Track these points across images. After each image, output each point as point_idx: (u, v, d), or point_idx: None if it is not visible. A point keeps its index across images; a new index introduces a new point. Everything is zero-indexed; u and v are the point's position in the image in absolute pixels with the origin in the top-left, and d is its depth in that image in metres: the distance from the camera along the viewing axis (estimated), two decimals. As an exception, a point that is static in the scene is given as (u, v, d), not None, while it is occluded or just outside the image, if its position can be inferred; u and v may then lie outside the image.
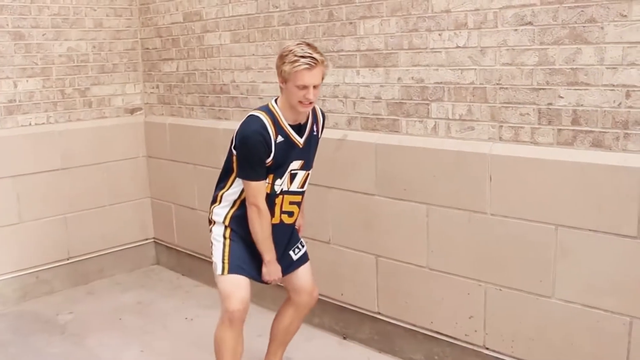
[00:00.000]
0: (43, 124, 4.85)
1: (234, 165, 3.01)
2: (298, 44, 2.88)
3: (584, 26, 2.77)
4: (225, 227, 3.12)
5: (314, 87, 2.84)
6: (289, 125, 2.98)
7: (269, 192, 3.01)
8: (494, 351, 3.28)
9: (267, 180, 2.99)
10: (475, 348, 3.36)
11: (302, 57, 2.79)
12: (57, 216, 4.92)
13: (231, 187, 3.09)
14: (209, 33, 4.67)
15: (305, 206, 4.01)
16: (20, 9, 4.64)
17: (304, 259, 3.31)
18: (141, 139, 5.40)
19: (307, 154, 3.10)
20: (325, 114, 3.33)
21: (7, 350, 4.01)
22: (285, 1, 4.03)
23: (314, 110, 3.12)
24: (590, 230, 2.81)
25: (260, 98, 4.31)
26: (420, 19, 3.35)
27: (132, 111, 5.39)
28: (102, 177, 5.13)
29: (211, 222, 3.19)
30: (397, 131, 3.57)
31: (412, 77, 3.44)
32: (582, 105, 2.81)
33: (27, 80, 4.74)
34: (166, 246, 5.40)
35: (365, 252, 3.79)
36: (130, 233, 5.35)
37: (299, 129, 3.02)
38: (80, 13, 4.97)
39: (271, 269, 3.09)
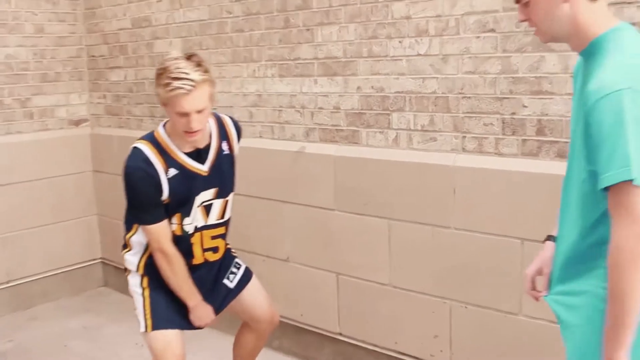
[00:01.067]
0: (-20, 137, 4.79)
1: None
2: (175, 59, 2.42)
3: (547, 33, 2.83)
4: (141, 276, 2.80)
5: (199, 112, 2.44)
6: (184, 153, 2.60)
7: (179, 234, 2.68)
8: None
9: (174, 221, 2.66)
10: (442, 369, 3.39)
11: (177, 78, 2.35)
12: (-4, 236, 4.84)
13: (137, 231, 2.77)
14: (159, 40, 4.66)
15: (263, 222, 4.03)
16: (-46, 14, 4.59)
17: (244, 280, 3.01)
18: (87, 153, 5.34)
19: (220, 180, 2.73)
20: (239, 124, 2.96)
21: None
22: (239, 7, 4.04)
23: (221, 124, 2.78)
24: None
25: (214, 108, 4.30)
26: (380, 25, 3.38)
27: (77, 123, 5.34)
28: (45, 194, 5.06)
29: (126, 270, 2.89)
30: (356, 143, 3.59)
31: (372, 86, 3.47)
32: (546, 114, 2.87)
33: (-38, 91, 4.68)
34: (115, 267, 5.32)
35: (325, 270, 3.79)
36: (76, 253, 5.28)
37: (199, 154, 2.64)
38: (20, 18, 4.91)
39: (199, 314, 2.77)
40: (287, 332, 4.06)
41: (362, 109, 3.54)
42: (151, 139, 2.60)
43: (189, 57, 2.46)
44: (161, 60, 2.48)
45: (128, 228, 2.79)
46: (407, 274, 3.43)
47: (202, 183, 2.66)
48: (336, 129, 3.68)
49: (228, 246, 3.01)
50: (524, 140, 2.94)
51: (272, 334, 4.06)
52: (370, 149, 3.53)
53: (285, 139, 3.93)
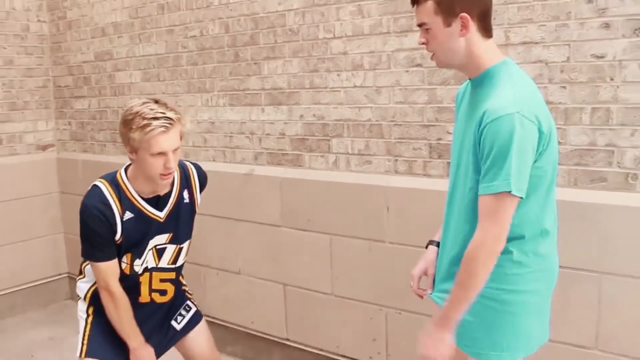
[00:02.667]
0: (-49, 162, 4.69)
1: None
2: (144, 103, 2.28)
3: (466, 68, 2.91)
4: (88, 305, 2.61)
5: (174, 150, 2.31)
6: (143, 199, 2.43)
7: (127, 273, 2.48)
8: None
9: (125, 260, 2.46)
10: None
11: (154, 118, 2.22)
12: (-33, 254, 4.73)
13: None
14: (120, 72, 4.63)
15: (217, 238, 4.03)
16: None
17: (191, 324, 2.77)
18: (53, 175, 5.26)
19: (176, 227, 2.53)
20: (204, 173, 2.76)
21: None
22: (194, 42, 4.05)
23: (185, 173, 2.60)
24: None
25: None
26: (320, 60, 3.43)
27: (44, 148, 5.26)
28: (14, 214, 4.95)
29: (77, 295, 2.70)
30: (300, 165, 3.62)
31: (314, 115, 3.51)
32: (467, 140, 2.94)
33: None
34: (80, 280, 5.26)
35: (274, 281, 3.80)
36: (43, 269, 5.17)
37: (158, 201, 2.47)
38: (-10, 52, 4.86)
39: (139, 356, 2.51)
40: (240, 338, 4.05)
41: (305, 135, 3.57)
42: (112, 180, 2.43)
43: (155, 101, 2.32)
44: (127, 108, 2.32)
45: (82, 255, 2.58)
46: (347, 284, 3.46)
47: (158, 228, 2.48)
48: (282, 153, 3.70)
49: (184, 288, 2.85)
50: (448, 163, 2.99)
51: (225, 340, 4.08)
52: (312, 171, 3.56)
53: (236, 162, 3.94)
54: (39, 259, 5.15)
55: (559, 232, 2.52)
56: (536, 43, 2.70)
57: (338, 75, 3.37)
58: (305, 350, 3.73)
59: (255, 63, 3.74)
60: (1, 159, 4.95)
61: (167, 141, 2.26)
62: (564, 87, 2.66)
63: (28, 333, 4.66)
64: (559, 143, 2.68)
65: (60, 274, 5.24)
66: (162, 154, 2.27)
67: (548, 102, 2.68)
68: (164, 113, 2.25)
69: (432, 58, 2.11)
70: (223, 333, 4.12)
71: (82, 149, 5.09)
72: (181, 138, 2.37)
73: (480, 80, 2.01)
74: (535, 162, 1.88)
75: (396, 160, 3.22)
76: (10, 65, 4.97)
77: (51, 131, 5.30)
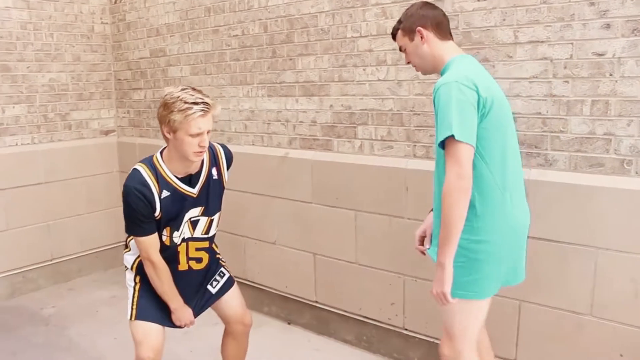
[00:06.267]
0: (28, 144, 4.72)
1: None
2: (183, 89, 2.29)
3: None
4: (135, 274, 2.61)
5: (208, 131, 2.32)
6: (177, 178, 2.41)
7: (168, 244, 2.48)
8: (411, 331, 3.33)
9: (165, 233, 2.46)
10: (397, 329, 3.40)
11: (195, 103, 2.24)
12: (41, 223, 4.78)
13: None
14: (171, 67, 4.63)
15: (256, 212, 4.03)
16: (7, 45, 4.52)
17: (225, 288, 2.76)
18: (114, 157, 5.30)
19: (207, 201, 2.51)
20: (231, 153, 2.67)
21: (-3, 341, 3.90)
22: (236, 41, 4.03)
23: (213, 153, 2.57)
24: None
25: (215, 122, 4.30)
26: (348, 56, 3.39)
27: (107, 133, 5.30)
28: (80, 190, 5.02)
29: (125, 266, 2.69)
30: (330, 150, 3.59)
31: (342, 105, 3.48)
32: (478, 128, 2.89)
33: (13, 107, 4.61)
34: (137, 247, 5.31)
35: (305, 250, 3.80)
36: (105, 237, 5.23)
37: (190, 179, 2.45)
38: (61, 49, 4.87)
39: (179, 315, 2.55)
40: (274, 300, 4.07)
41: (334, 123, 3.54)
42: (149, 163, 2.40)
43: (193, 88, 2.33)
44: (167, 94, 2.30)
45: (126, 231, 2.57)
46: (370, 254, 3.45)
47: (191, 203, 2.46)
48: (313, 139, 3.68)
49: (218, 256, 2.81)
50: (461, 149, 2.96)
51: (262, 301, 4.10)
52: (340, 155, 3.53)
53: (272, 146, 3.92)
54: (102, 228, 5.20)
55: (561, 211, 2.47)
56: (542, 42, 2.63)
57: (364, 69, 3.33)
58: (331, 311, 3.73)
59: (290, 59, 3.71)
60: (70, 142, 4.99)
61: (204, 123, 2.27)
62: (567, 81, 2.59)
63: (93, 292, 4.73)
64: (561, 132, 2.63)
65: (119, 242, 5.28)
66: (199, 134, 2.27)
67: (552, 95, 2.64)
68: (202, 99, 2.26)
69: (417, 70, 2.37)
70: (260, 295, 4.14)
71: (139, 134, 5.11)
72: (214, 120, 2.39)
73: (442, 72, 2.22)
74: (480, 122, 2.03)
75: (415, 145, 3.18)
76: (78, 61, 4.99)
77: (112, 118, 5.32)
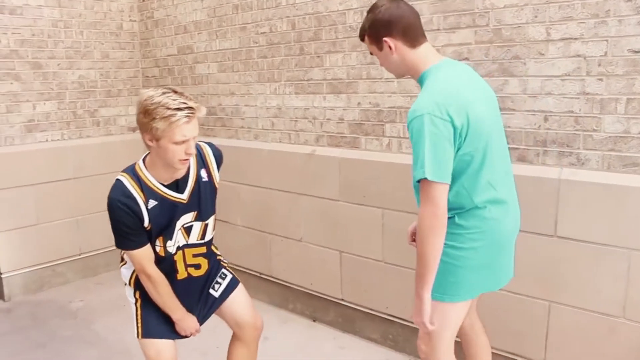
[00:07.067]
0: (58, 140, 4.79)
1: None
2: (164, 93, 2.08)
3: (510, 62, 2.81)
4: (133, 289, 2.47)
5: (194, 137, 2.14)
6: (163, 185, 2.24)
7: (163, 254, 2.32)
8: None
9: (158, 243, 2.30)
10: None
11: (178, 109, 2.04)
12: (70, 218, 4.85)
13: None
14: (199, 64, 4.65)
15: (282, 209, 4.02)
16: (38, 42, 4.58)
17: (228, 290, 2.59)
18: (141, 153, 5.28)
19: (199, 205, 2.35)
20: (220, 151, 2.50)
21: (27, 333, 3.95)
22: (264, 38, 4.03)
23: (200, 153, 2.39)
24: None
25: (242, 119, 4.31)
26: (376, 54, 3.36)
27: (134, 129, 5.34)
28: (109, 186, 5.01)
29: (124, 281, 2.55)
30: (357, 147, 3.58)
31: (370, 102, 3.46)
32: (509, 126, 2.85)
33: (44, 103, 4.68)
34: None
35: (331, 248, 3.79)
36: (133, 232, 5.28)
37: (177, 185, 2.28)
38: (90, 46, 4.92)
39: (183, 325, 2.41)
40: (300, 297, 4.07)
41: (361, 120, 3.53)
42: (132, 172, 2.24)
43: (174, 91, 2.11)
44: (146, 99, 2.08)
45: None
46: (397, 252, 3.42)
47: (182, 209, 2.30)
48: (341, 136, 3.66)
49: (219, 257, 2.67)
50: (491, 147, 2.93)
51: (287, 298, 4.10)
52: (368, 152, 3.51)
53: (299, 143, 3.92)
54: (130, 224, 5.25)
55: (593, 212, 2.42)
56: (575, 39, 2.59)
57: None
58: (357, 309, 3.72)
59: (318, 56, 3.69)
60: (99, 139, 5.05)
61: (190, 130, 2.09)
62: (601, 79, 2.54)
63: (120, 287, 4.71)
64: (594, 130, 2.58)
65: (147, 237, 5.33)
66: (184, 141, 2.10)
67: (585, 93, 2.59)
68: (185, 103, 2.06)
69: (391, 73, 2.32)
70: (285, 292, 4.14)
71: (167, 131, 5.14)
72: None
73: (420, 82, 2.18)
74: (458, 150, 2.01)
75: (443, 143, 3.14)
76: (106, 58, 5.04)
77: (140, 115, 5.36)
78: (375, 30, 2.14)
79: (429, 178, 1.94)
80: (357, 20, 3.42)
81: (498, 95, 2.86)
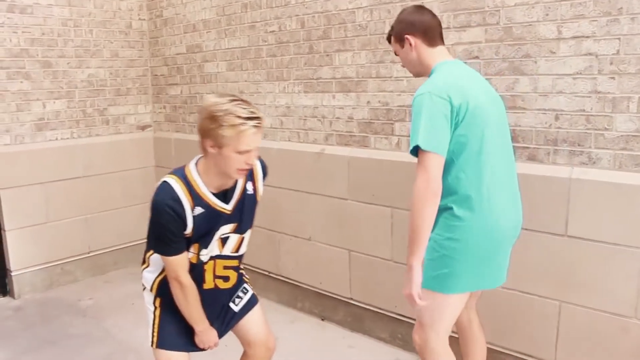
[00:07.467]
0: (67, 138, 4.80)
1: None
2: (232, 101, 2.03)
3: (520, 60, 2.80)
4: (154, 295, 2.37)
5: (256, 147, 2.09)
6: (212, 193, 2.16)
7: (194, 262, 2.23)
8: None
9: (192, 250, 2.21)
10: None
11: (248, 118, 1.99)
12: (79, 216, 4.87)
13: None
14: (208, 62, 4.66)
15: (291, 208, 4.02)
16: (48, 41, 4.60)
17: (248, 306, 2.51)
18: (150, 152, 5.36)
19: (240, 218, 2.27)
20: (266, 166, 2.46)
21: (37, 330, 3.97)
22: (273, 37, 4.03)
23: None
24: (523, 228, 2.82)
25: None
26: (386, 52, 3.36)
27: (143, 128, 5.35)
28: (117, 184, 5.09)
29: (143, 285, 2.46)
30: (366, 146, 3.57)
31: (379, 101, 3.45)
32: (519, 125, 2.84)
33: (54, 102, 4.70)
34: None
35: (340, 247, 3.78)
36: (141, 231, 5.21)
37: (225, 195, 2.21)
38: (100, 45, 4.93)
39: (204, 338, 2.33)
40: (309, 296, 4.06)
41: (370, 119, 3.52)
42: (182, 176, 2.14)
43: (242, 99, 2.06)
44: (211, 104, 2.03)
45: (149, 247, 2.35)
46: (406, 251, 3.38)
47: (225, 220, 2.23)
48: (350, 135, 3.66)
49: (241, 271, 2.55)
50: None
51: (296, 297, 4.10)
52: (377, 151, 3.51)
53: (308, 142, 3.92)
54: (138, 222, 5.25)
55: (604, 211, 2.41)
56: (587, 37, 2.57)
57: (402, 66, 3.28)
58: (366, 308, 3.71)
59: (328, 55, 3.69)
60: (108, 137, 5.06)
61: (255, 140, 2.04)
62: (613, 78, 2.52)
63: (129, 285, 4.78)
64: (605, 129, 2.57)
65: (155, 236, 5.34)
66: (247, 151, 2.04)
67: (596, 92, 2.57)
68: (254, 113, 2.02)
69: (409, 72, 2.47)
70: (294, 291, 4.14)
71: (175, 129, 5.16)
72: None
73: (429, 77, 2.31)
74: (455, 129, 2.12)
75: (453, 142, 3.13)
76: (116, 57, 5.06)
77: (149, 114, 5.38)
78: (399, 29, 2.35)
79: (422, 146, 2.06)
80: (366, 18, 3.42)
81: (508, 93, 2.85)
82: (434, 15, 2.37)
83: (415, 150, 2.11)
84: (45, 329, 3.99)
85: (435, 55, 2.31)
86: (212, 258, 2.28)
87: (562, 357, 2.82)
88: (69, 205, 4.79)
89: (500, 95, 2.86)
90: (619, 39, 2.48)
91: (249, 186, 2.30)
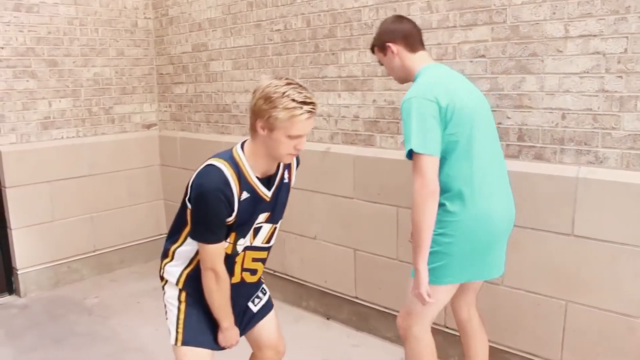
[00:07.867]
0: (73, 137, 4.82)
1: (189, 220, 2.11)
2: (288, 84, 1.95)
3: (527, 59, 2.79)
4: (180, 290, 2.21)
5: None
6: (257, 178, 2.08)
7: (229, 252, 2.13)
8: (452, 329, 3.27)
9: (228, 240, 2.10)
10: (437, 327, 3.34)
11: (304, 103, 1.92)
12: (85, 215, 4.88)
13: (185, 243, 2.18)
14: (213, 61, 4.66)
15: (297, 207, 4.02)
16: (54, 40, 4.61)
17: (265, 309, 2.44)
18: (156, 150, 5.37)
19: (275, 206, 2.19)
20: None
21: (43, 329, 3.98)
22: (279, 35, 4.03)
23: None
24: (529, 228, 2.83)
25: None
26: (392, 51, 3.35)
27: (149, 127, 5.36)
28: (123, 183, 5.10)
29: (163, 279, 2.28)
30: (372, 145, 3.57)
31: (385, 100, 3.45)
32: (526, 124, 2.83)
33: (60, 101, 4.71)
34: (177, 240, 5.35)
35: (345, 246, 3.78)
36: (146, 229, 5.31)
37: (268, 181, 2.13)
38: (105, 44, 4.94)
39: (228, 335, 2.22)
40: (314, 294, 4.06)
41: (376, 118, 3.51)
42: (230, 159, 2.05)
43: (299, 84, 1.98)
44: (268, 85, 1.95)
45: (174, 240, 2.22)
46: (411, 250, 3.39)
47: (263, 206, 2.14)
48: (355, 134, 3.66)
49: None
50: (508, 145, 2.91)
51: (301, 296, 4.10)
52: (383, 150, 3.50)
53: (314, 141, 3.91)
54: (143, 221, 5.28)
55: (611, 210, 2.39)
56: (594, 36, 2.56)
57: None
58: (371, 307, 3.71)
59: (333, 53, 3.69)
60: (113, 136, 5.07)
61: (308, 126, 1.98)
62: (620, 76, 2.51)
63: (134, 283, 4.79)
64: (613, 128, 2.56)
65: (160, 234, 5.35)
66: (299, 136, 1.97)
67: (604, 91, 2.56)
68: (310, 98, 1.95)
69: (395, 80, 2.55)
70: (299, 290, 4.14)
71: (180, 128, 5.16)
72: None
73: (414, 82, 2.39)
74: (445, 129, 2.18)
75: (459, 141, 3.12)
76: (121, 55, 5.07)
77: (154, 112, 5.39)
78: (382, 38, 2.45)
79: (415, 150, 2.13)
80: (372, 17, 3.41)
81: (515, 92, 2.84)
82: (413, 23, 2.47)
83: (411, 154, 2.18)
84: (51, 327, 4.00)
85: (418, 60, 2.40)
86: (244, 249, 2.20)
87: (567, 357, 2.81)
88: (75, 203, 4.80)
89: (507, 94, 2.88)
90: (626, 37, 2.47)
91: (286, 174, 2.25)
